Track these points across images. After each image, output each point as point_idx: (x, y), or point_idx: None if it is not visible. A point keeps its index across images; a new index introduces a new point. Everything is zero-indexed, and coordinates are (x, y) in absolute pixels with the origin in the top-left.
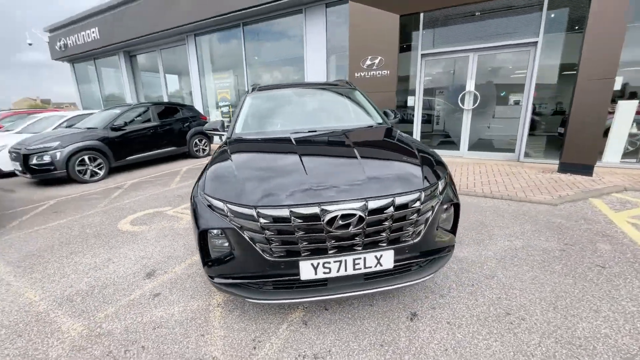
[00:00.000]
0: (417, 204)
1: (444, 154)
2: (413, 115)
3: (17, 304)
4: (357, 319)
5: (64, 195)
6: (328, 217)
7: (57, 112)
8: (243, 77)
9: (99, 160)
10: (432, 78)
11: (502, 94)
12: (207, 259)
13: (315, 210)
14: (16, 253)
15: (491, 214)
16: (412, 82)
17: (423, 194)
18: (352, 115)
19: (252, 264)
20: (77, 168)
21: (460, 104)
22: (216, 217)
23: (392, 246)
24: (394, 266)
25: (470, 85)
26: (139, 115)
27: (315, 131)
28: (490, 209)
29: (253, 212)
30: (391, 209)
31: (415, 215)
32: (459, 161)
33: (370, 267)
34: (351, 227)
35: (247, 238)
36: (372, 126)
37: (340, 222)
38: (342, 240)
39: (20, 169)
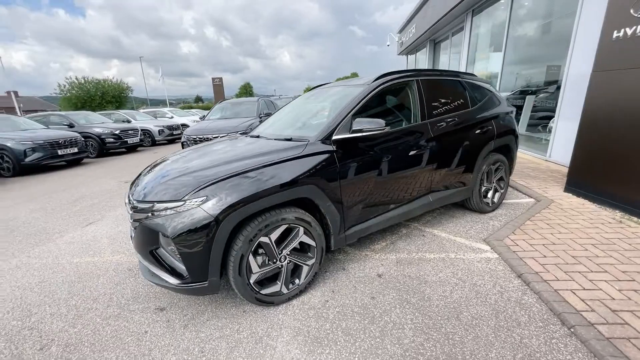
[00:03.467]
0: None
1: None
2: None
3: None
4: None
5: None
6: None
7: None
8: (501, 53)
9: None
10: None
11: None
12: None
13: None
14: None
15: None
16: None
17: (138, 206)
18: (313, 124)
19: None
20: None
21: None
22: None
23: None
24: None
25: None
26: None
27: (258, 137)
28: None
29: None
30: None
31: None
32: None
33: None
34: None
35: None
36: (290, 139)
37: (127, 205)
38: None
39: None
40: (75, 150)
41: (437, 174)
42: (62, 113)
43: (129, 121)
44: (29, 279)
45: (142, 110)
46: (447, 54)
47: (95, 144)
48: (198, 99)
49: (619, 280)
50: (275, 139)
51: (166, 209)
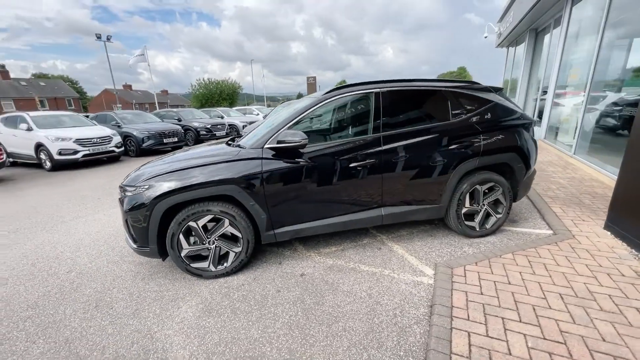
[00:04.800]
0: None
1: None
2: None
3: None
4: None
5: None
6: None
7: None
8: (596, 41)
9: None
10: None
11: None
12: None
13: None
14: None
15: None
16: None
17: (121, 187)
18: (257, 132)
19: None
20: None
21: None
22: None
23: None
24: None
25: None
26: None
27: (229, 143)
28: None
29: None
30: None
31: None
32: None
33: None
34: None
35: None
36: (235, 144)
37: None
38: None
39: None
40: (176, 139)
41: (389, 189)
42: (175, 110)
43: (222, 117)
44: (93, 228)
45: (235, 108)
46: (548, 46)
47: (193, 134)
48: (300, 96)
49: (544, 339)
50: (232, 145)
51: (128, 190)
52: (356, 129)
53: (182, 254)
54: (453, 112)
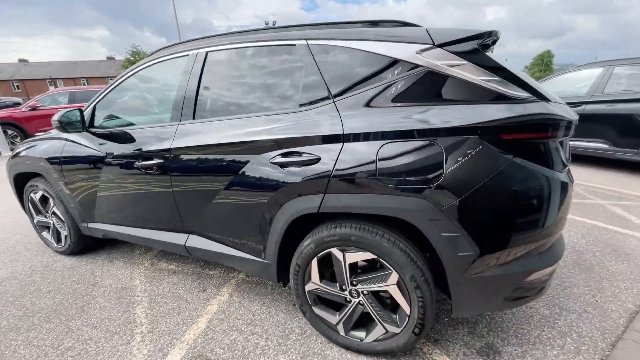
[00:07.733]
0: None
1: None
2: None
3: None
4: None
5: None
6: None
7: None
8: None
9: None
10: None
11: None
12: None
13: None
14: None
15: None
16: None
17: None
18: None
19: None
20: None
21: None
22: None
23: None
24: None
25: None
26: None
27: None
28: None
29: None
30: None
31: None
32: None
33: None
34: None
35: None
36: None
37: None
38: None
39: None
40: None
41: (184, 209)
42: None
43: None
44: None
45: None
46: None
47: None
48: None
49: None
50: None
51: None
52: (160, 112)
53: (35, 221)
54: (305, 90)
